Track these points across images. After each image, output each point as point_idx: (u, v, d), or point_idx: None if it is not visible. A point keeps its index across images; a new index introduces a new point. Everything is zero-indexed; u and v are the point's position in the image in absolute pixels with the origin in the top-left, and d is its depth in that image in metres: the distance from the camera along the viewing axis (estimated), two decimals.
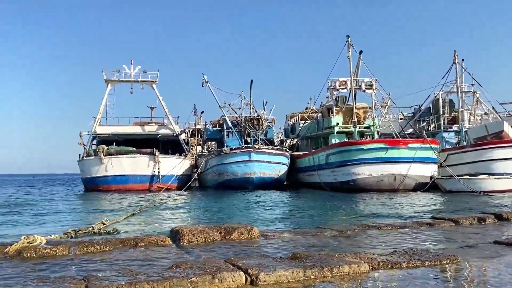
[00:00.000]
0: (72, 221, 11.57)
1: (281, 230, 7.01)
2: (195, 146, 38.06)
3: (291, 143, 38.55)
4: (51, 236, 5.90)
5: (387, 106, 35.43)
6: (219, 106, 31.89)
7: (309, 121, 33.84)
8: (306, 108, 39.76)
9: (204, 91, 31.83)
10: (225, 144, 31.50)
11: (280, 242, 5.91)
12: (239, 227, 6.10)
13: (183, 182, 28.77)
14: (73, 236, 6.06)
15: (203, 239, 5.77)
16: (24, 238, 5.37)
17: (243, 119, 32.48)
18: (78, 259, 4.90)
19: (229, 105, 33.65)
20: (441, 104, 29.00)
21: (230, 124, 31.79)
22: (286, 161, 28.71)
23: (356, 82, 28.67)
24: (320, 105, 33.40)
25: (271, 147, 29.27)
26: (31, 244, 5.22)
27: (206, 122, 38.68)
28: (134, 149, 29.56)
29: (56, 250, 5.10)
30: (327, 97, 30.35)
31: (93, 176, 28.72)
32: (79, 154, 30.91)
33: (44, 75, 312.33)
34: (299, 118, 37.14)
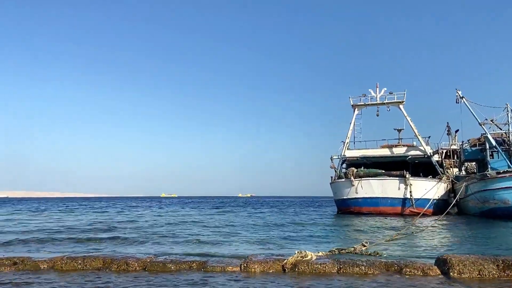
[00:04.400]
0: (325, 239, 12.31)
1: None
2: (451, 168, 34.64)
3: None
4: (318, 253, 6.42)
5: None
6: (479, 123, 28.07)
7: None
8: None
9: (459, 107, 28.79)
10: (489, 166, 27.37)
11: None
12: None
13: (439, 208, 26.61)
14: (337, 254, 6.41)
15: (477, 272, 5.11)
16: (298, 252, 6.04)
17: (511, 136, 27.57)
18: (344, 278, 5.15)
19: (491, 121, 29.18)
20: None
21: (494, 142, 27.50)
22: None
23: None
24: None
25: None
26: (304, 259, 5.83)
27: (462, 142, 34.74)
28: (383, 171, 29.39)
29: (325, 267, 5.51)
30: None
31: (345, 198, 30.01)
32: (331, 177, 32.95)
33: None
34: None
